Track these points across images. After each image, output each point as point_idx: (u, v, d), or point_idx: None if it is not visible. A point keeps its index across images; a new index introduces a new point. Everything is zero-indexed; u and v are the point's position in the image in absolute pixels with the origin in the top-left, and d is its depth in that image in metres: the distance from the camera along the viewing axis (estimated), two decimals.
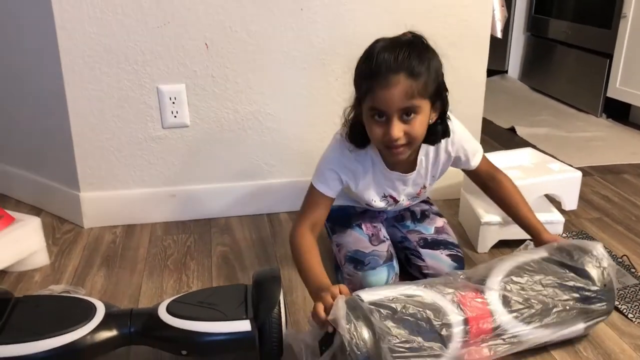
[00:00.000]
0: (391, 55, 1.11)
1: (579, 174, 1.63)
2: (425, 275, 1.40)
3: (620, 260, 1.52)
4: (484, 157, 1.40)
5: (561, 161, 1.75)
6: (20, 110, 1.78)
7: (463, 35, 1.75)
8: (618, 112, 2.80)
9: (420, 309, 1.05)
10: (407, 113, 1.14)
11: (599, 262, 1.19)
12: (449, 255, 1.40)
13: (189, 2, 1.58)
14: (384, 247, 1.37)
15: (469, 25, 1.75)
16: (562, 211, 1.67)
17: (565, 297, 1.15)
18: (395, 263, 1.37)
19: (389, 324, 1.01)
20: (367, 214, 1.46)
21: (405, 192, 1.38)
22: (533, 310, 1.12)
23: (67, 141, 1.67)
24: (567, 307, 1.14)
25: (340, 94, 1.72)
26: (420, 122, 1.17)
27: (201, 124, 1.71)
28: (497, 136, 2.54)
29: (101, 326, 1.11)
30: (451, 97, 1.24)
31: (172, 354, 1.14)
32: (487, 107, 1.92)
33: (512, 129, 2.65)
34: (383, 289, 1.11)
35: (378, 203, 1.38)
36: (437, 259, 1.39)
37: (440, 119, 1.24)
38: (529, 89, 3.41)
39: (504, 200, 1.41)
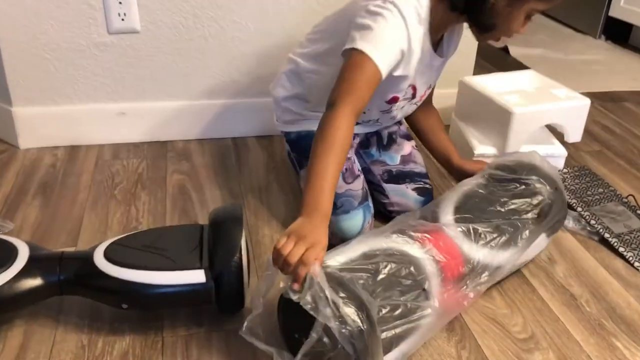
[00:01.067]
0: None
1: (588, 101, 1.44)
2: (389, 212, 1.26)
3: (626, 200, 1.37)
4: None
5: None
6: None
7: None
8: (618, 33, 2.59)
9: (401, 265, 0.89)
10: None
11: (541, 171, 1.12)
12: (415, 189, 1.25)
13: None
14: (359, 185, 1.18)
15: None
16: (564, 143, 1.49)
17: (526, 213, 1.06)
18: (370, 202, 1.19)
19: (374, 289, 0.83)
20: None
21: (422, 87, 1.18)
22: (505, 237, 1.01)
23: None
24: (531, 222, 1.05)
25: (321, 2, 1.47)
26: None
27: (154, 30, 1.45)
28: (488, 56, 2.32)
29: (23, 273, 0.93)
30: None
31: (110, 306, 0.96)
32: None
33: (505, 49, 2.43)
34: (352, 246, 0.92)
35: (402, 96, 1.14)
36: (402, 194, 1.25)
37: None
38: None
39: (429, 121, 1.30)
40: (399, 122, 1.34)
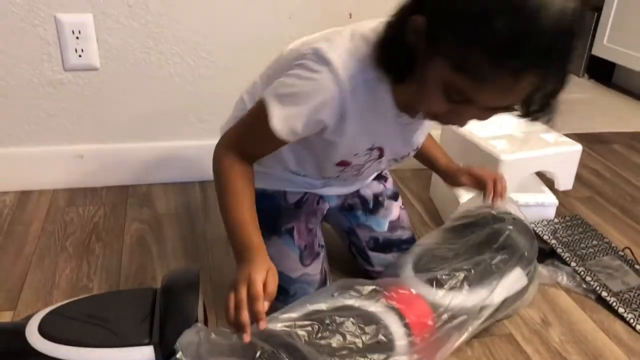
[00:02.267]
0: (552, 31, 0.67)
1: (579, 147, 1.35)
2: (372, 278, 1.10)
3: (622, 253, 1.27)
4: None
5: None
6: None
7: None
8: (601, 72, 2.56)
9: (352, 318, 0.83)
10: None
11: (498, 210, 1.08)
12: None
13: None
14: (317, 268, 1.04)
15: None
16: (554, 191, 1.40)
17: (489, 250, 1.01)
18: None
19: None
20: (304, 207, 1.07)
21: (396, 147, 1.00)
22: (471, 275, 0.96)
23: None
24: (496, 257, 1.00)
25: (293, 35, 1.37)
26: None
27: (115, 67, 1.35)
28: None
29: None
30: None
31: None
32: None
33: None
34: (301, 306, 0.85)
35: (359, 158, 0.97)
36: (388, 265, 1.14)
37: None
38: None
39: (430, 149, 1.17)
40: (385, 179, 1.21)
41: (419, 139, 1.03)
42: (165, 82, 1.39)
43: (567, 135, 1.41)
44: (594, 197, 1.56)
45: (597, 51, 2.47)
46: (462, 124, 0.81)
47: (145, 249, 1.23)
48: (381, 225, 1.16)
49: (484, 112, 0.78)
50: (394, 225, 1.16)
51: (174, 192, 1.45)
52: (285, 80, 0.84)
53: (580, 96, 2.36)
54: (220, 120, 1.45)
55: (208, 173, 1.47)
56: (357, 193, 1.16)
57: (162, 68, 1.37)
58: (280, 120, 0.83)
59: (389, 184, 1.21)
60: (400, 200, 1.21)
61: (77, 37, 1.30)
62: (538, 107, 0.80)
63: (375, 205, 1.17)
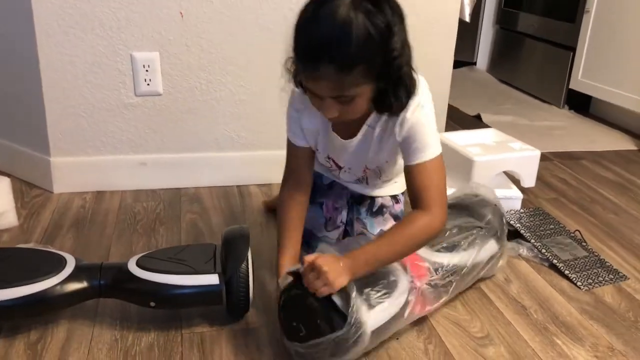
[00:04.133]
0: (322, 35, 0.96)
1: (538, 152, 1.70)
2: None
3: (573, 234, 1.60)
4: (428, 164, 1.12)
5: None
6: None
7: (431, 18, 1.81)
8: (579, 104, 2.90)
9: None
10: (340, 100, 1.03)
11: (483, 197, 1.39)
12: None
13: None
14: (335, 235, 1.38)
15: (437, 9, 1.80)
16: (522, 189, 1.74)
17: (473, 228, 1.31)
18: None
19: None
20: (334, 189, 1.43)
21: (347, 161, 1.29)
22: (453, 239, 1.27)
23: (39, 106, 1.68)
24: (479, 231, 1.31)
25: None
26: (359, 104, 1.05)
27: (174, 93, 1.73)
28: (462, 122, 2.62)
29: (71, 277, 1.14)
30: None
31: (140, 306, 1.17)
32: (454, 96, 1.98)
33: (478, 116, 2.73)
34: None
35: (323, 161, 1.34)
36: None
37: (393, 91, 1.06)
38: (496, 81, 3.50)
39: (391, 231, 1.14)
40: (397, 201, 1.45)
41: (363, 154, 1.25)
42: (213, 105, 1.77)
43: (542, 154, 1.75)
44: (559, 198, 1.89)
45: (573, 85, 2.83)
46: (323, 113, 1.06)
47: (198, 230, 1.58)
48: (374, 228, 1.41)
49: (317, 100, 1.06)
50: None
51: (217, 193, 1.81)
52: None
53: (559, 124, 2.71)
54: (255, 135, 1.86)
55: (244, 179, 1.85)
56: (369, 196, 1.42)
57: (211, 94, 1.75)
58: (291, 136, 1.26)
59: (398, 207, 1.46)
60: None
61: (147, 70, 1.68)
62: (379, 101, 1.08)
63: (378, 210, 1.43)
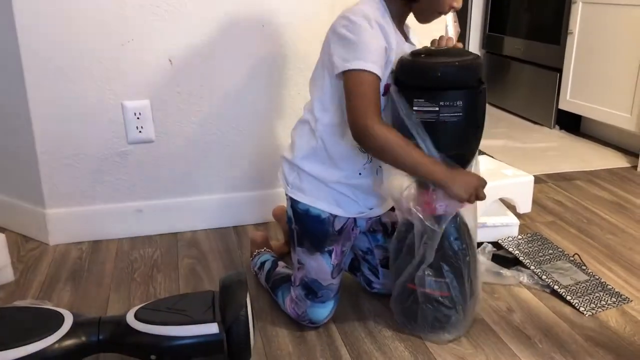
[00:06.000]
0: None
1: (531, 177, 1.71)
2: (371, 289, 1.45)
3: (572, 258, 1.60)
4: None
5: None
6: None
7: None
8: (570, 123, 2.93)
9: None
10: None
11: None
12: None
13: (152, 20, 1.62)
14: (338, 280, 1.35)
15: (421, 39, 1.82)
16: (518, 215, 1.74)
17: None
18: (339, 294, 1.36)
19: None
20: (344, 233, 1.33)
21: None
22: None
23: (32, 159, 1.68)
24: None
25: (300, 106, 1.78)
26: None
27: (166, 139, 1.74)
28: None
29: (69, 334, 1.12)
30: None
31: (141, 359, 1.16)
32: None
33: None
34: None
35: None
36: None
37: None
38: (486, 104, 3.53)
39: None
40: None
41: None
42: (205, 149, 1.77)
43: (536, 176, 1.76)
44: (556, 221, 1.89)
45: (562, 105, 2.86)
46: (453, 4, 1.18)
47: (197, 276, 1.57)
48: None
49: None
50: None
51: (214, 236, 1.80)
52: (345, 42, 1.14)
53: (551, 145, 2.73)
54: (247, 176, 1.84)
55: (240, 219, 1.85)
56: (379, 220, 1.41)
57: (203, 138, 1.76)
58: (374, 67, 1.12)
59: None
60: None
61: (138, 118, 1.69)
62: None
63: (392, 230, 1.39)
